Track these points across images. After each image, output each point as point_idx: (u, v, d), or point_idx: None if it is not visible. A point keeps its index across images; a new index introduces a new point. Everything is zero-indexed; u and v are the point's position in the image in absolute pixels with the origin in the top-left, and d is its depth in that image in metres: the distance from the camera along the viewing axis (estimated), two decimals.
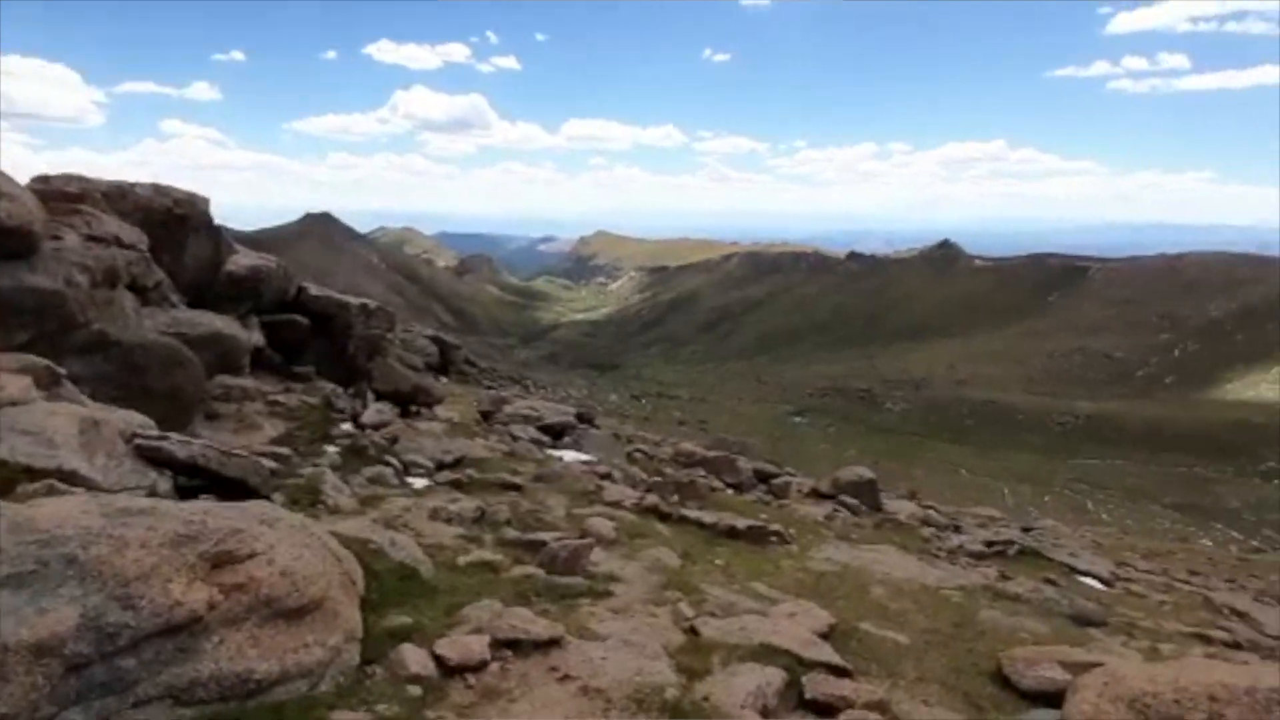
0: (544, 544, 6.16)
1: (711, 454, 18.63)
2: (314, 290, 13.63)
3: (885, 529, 16.58)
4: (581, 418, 20.81)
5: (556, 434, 17.12)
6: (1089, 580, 16.81)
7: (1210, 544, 37.93)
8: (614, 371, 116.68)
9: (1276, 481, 58.51)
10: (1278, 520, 50.32)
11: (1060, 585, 14.91)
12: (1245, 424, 67.75)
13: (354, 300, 13.84)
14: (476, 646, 3.86)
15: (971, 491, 54.87)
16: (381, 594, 4.43)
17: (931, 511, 22.11)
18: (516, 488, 9.71)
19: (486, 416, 17.56)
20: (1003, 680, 6.35)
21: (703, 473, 16.28)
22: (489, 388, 33.73)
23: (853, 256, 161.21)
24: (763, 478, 18.77)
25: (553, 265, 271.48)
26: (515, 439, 14.70)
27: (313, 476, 6.56)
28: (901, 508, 20.78)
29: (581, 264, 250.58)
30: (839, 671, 5.21)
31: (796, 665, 4.95)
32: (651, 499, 10.71)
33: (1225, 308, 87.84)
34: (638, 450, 19.56)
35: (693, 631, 5.18)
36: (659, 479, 13.92)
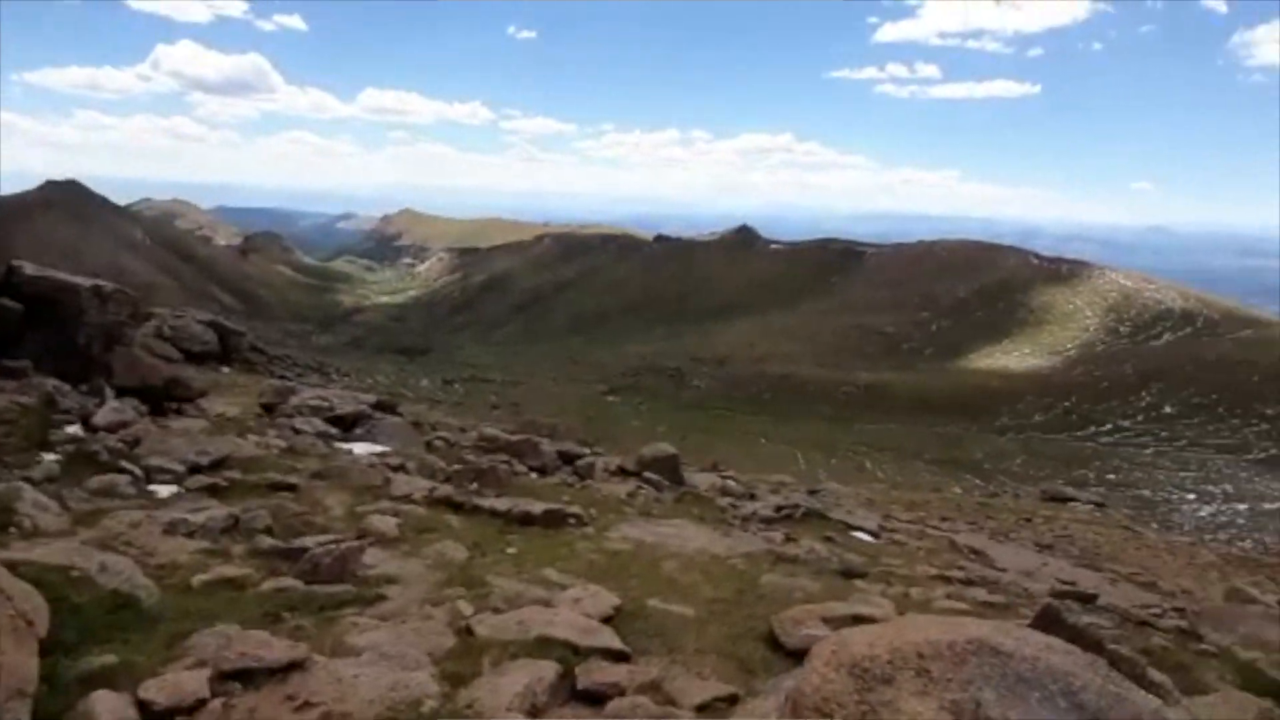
0: (306, 551, 5.60)
1: (515, 438, 18.32)
2: (30, 270, 11.52)
3: (685, 502, 17.25)
4: (381, 406, 19.62)
5: (348, 425, 15.97)
6: (861, 534, 18.60)
7: (960, 491, 43.68)
8: (425, 356, 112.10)
9: (1009, 435, 68.39)
10: (1009, 467, 58.90)
11: (836, 542, 16.37)
12: (985, 388, 78.58)
13: (84, 282, 11.88)
14: (193, 684, 3.35)
15: (770, 459, 59.01)
16: (80, 632, 3.75)
17: (730, 481, 23.39)
18: (289, 488, 8.86)
19: (269, 409, 15.98)
20: (774, 642, 6.76)
21: (505, 458, 15.95)
22: (281, 377, 30.91)
23: (659, 239, 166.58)
24: (568, 459, 18.77)
25: (353, 245, 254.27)
26: (298, 433, 13.49)
27: (5, 494, 5.47)
28: (703, 480, 21.78)
29: (385, 244, 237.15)
30: (617, 656, 5.21)
31: (572, 655, 4.87)
32: (445, 490, 10.26)
33: (970, 288, 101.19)
34: (439, 438, 18.80)
35: (468, 632, 4.94)
36: (459, 467, 13.42)
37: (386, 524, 7.47)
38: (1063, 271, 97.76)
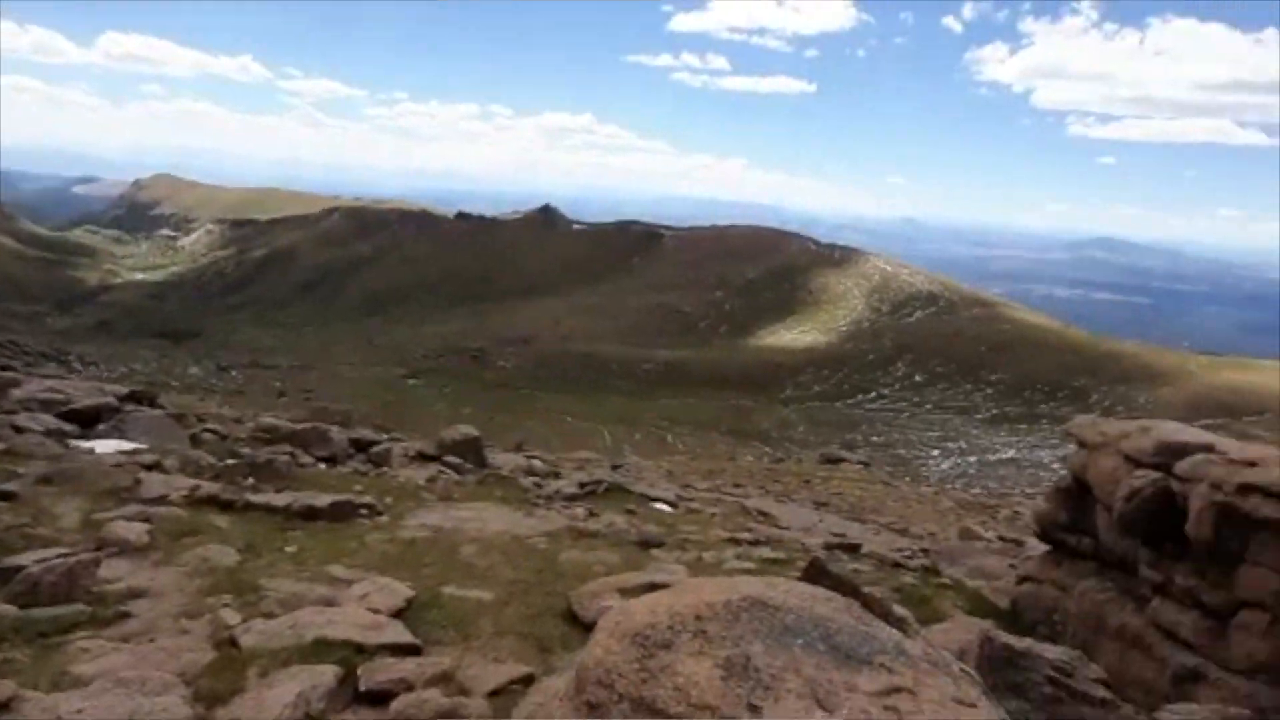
0: (21, 569, 4.74)
1: (300, 427, 16.92)
2: None
3: (488, 484, 16.94)
4: (135, 397, 17.21)
5: (88, 420, 13.84)
6: (660, 505, 19.38)
7: (751, 459, 46.98)
8: (194, 340, 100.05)
9: (792, 405, 74.57)
10: (793, 435, 64.29)
11: (637, 514, 16.93)
12: (772, 363, 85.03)
13: None
14: None
15: (576, 437, 59.69)
16: None
17: (535, 461, 23.37)
18: (6, 496, 7.49)
19: None
20: (573, 618, 6.84)
21: (288, 449, 14.68)
22: (4, 368, 26.06)
23: (461, 216, 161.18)
24: (361, 446, 17.70)
25: (97, 213, 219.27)
26: (19, 431, 11.45)
27: None
28: (507, 461, 21.54)
29: (138, 212, 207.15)
30: (407, 650, 4.96)
31: (356, 655, 4.57)
32: (211, 488, 9.21)
33: (759, 271, 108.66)
34: (209, 431, 16.88)
35: (231, 643, 4.46)
36: (232, 462, 12.13)
37: (133, 531, 6.55)
38: (835, 257, 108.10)
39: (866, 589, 4.30)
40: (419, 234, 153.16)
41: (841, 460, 43.56)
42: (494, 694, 4.46)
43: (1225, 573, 5.83)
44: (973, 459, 53.83)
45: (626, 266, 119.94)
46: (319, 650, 4.51)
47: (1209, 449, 6.65)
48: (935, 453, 56.52)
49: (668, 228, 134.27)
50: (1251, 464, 5.99)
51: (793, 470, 38.57)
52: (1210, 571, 5.98)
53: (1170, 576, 6.34)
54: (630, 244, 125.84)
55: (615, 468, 27.66)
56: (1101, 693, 5.21)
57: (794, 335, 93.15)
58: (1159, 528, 6.57)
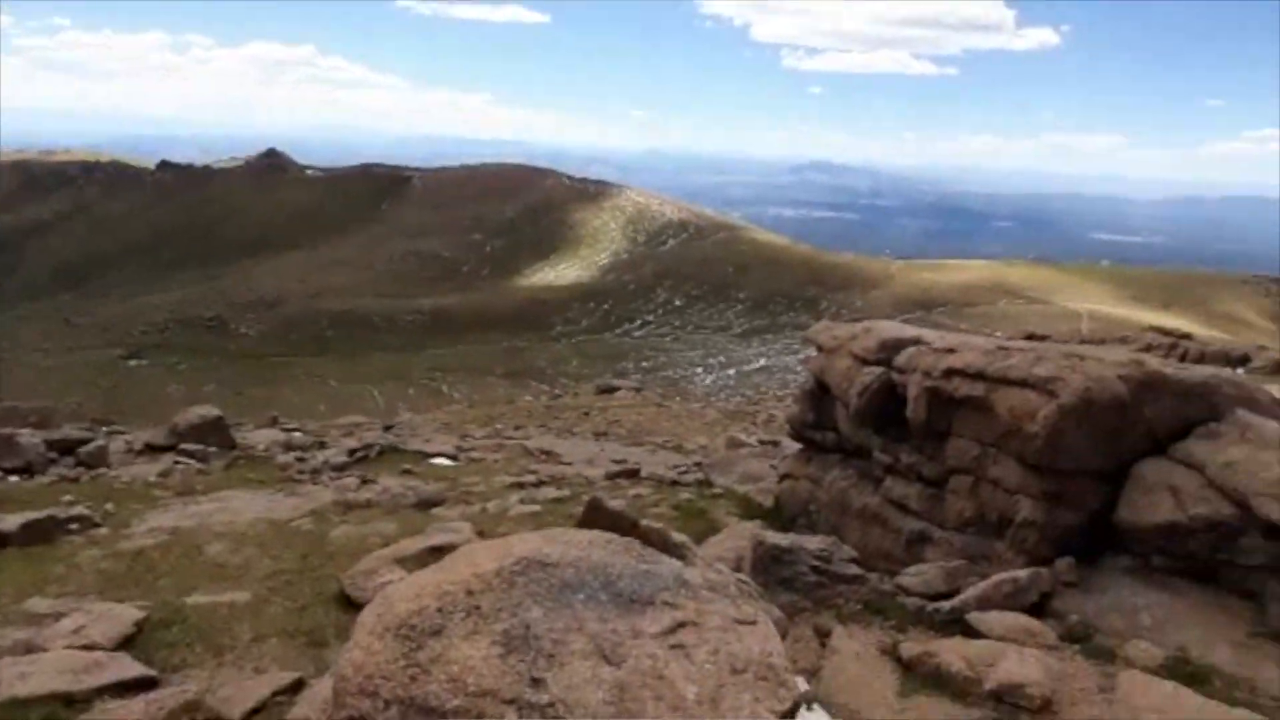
0: None
1: None
2: None
3: (238, 468, 15.14)
4: None
5: None
6: (440, 460, 18.68)
7: (531, 399, 47.04)
8: None
9: (563, 341, 75.52)
10: (568, 370, 65.33)
11: (416, 474, 16.16)
12: (540, 301, 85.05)
13: None
14: None
15: (343, 401, 55.63)
16: None
17: (296, 434, 21.30)
18: None
19: None
20: (348, 602, 6.29)
21: None
22: None
23: (165, 166, 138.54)
24: (67, 448, 14.89)
25: None
26: None
27: None
28: (261, 438, 19.38)
29: None
30: (139, 685, 4.19)
31: (64, 709, 3.75)
32: None
33: (515, 209, 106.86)
34: None
35: None
36: None
37: None
38: (590, 191, 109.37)
39: (645, 522, 4.34)
40: (112, 189, 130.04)
41: (616, 389, 45.13)
42: (253, 713, 3.92)
43: (938, 447, 6.77)
44: (731, 371, 58.62)
45: (374, 214, 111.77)
46: (13, 716, 3.64)
47: (918, 341, 7.60)
48: (699, 370, 60.72)
49: (414, 169, 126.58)
50: (951, 350, 6.93)
51: (571, 405, 39.23)
52: (927, 448, 6.91)
53: (897, 457, 7.25)
54: (375, 189, 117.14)
55: (388, 428, 26.18)
56: (854, 570, 5.84)
57: (558, 272, 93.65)
58: (886, 416, 7.45)
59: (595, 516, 4.67)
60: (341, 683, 2.51)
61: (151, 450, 16.28)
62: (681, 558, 4.12)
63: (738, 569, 5.99)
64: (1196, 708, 3.84)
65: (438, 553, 7.88)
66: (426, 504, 10.97)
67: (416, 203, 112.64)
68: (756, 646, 2.90)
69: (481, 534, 8.72)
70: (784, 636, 4.58)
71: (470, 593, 2.90)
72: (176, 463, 15.13)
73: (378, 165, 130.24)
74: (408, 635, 2.62)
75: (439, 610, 2.77)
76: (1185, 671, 4.23)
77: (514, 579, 2.99)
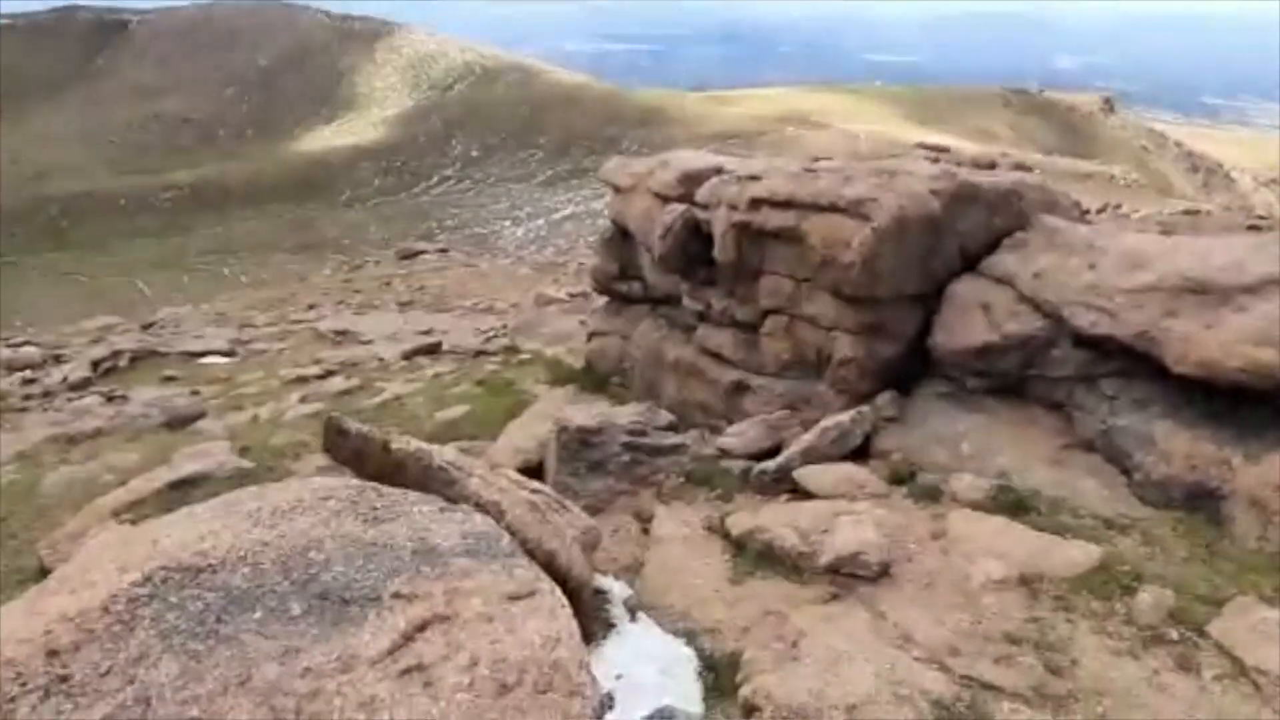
0: None
1: None
2: None
3: None
4: None
5: None
6: (213, 359, 16.25)
7: (328, 273, 42.80)
8: None
9: (356, 206, 68.95)
10: (366, 237, 60.06)
11: (181, 379, 13.86)
12: (321, 164, 76.03)
13: None
14: None
15: (100, 300, 47.76)
16: None
17: (27, 348, 17.67)
18: None
19: None
20: (47, 576, 4.83)
21: None
22: None
23: None
24: None
25: None
26: None
27: None
28: None
29: None
30: None
31: None
32: None
33: (270, 56, 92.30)
34: None
35: None
36: None
37: None
38: (358, 30, 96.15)
39: (400, 442, 3.29)
40: None
41: (420, 253, 42.06)
42: None
43: (750, 288, 6.16)
44: (540, 222, 56.42)
45: (89, 70, 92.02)
46: None
47: (720, 171, 6.78)
48: (507, 223, 57.93)
49: (130, 10, 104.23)
50: (756, 177, 6.18)
51: (372, 275, 36.07)
52: (738, 290, 6.29)
53: (708, 303, 6.60)
54: (84, 39, 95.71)
55: (147, 328, 22.58)
56: (672, 439, 5.23)
57: (335, 130, 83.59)
58: (693, 258, 6.71)
59: (337, 438, 3.55)
60: None
61: None
62: (450, 484, 3.16)
63: (539, 467, 5.20)
64: (1028, 543, 3.65)
65: (181, 490, 6.47)
66: (179, 422, 9.15)
67: (141, 54, 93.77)
68: (536, 634, 2.03)
69: (245, 452, 7.31)
70: (595, 547, 3.85)
71: (54, 653, 1.76)
72: None
73: (80, 8, 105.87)
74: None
75: (19, 679, 1.62)
76: (1010, 501, 4.06)
77: (137, 611, 1.87)
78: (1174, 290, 4.01)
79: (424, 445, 3.30)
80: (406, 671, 1.83)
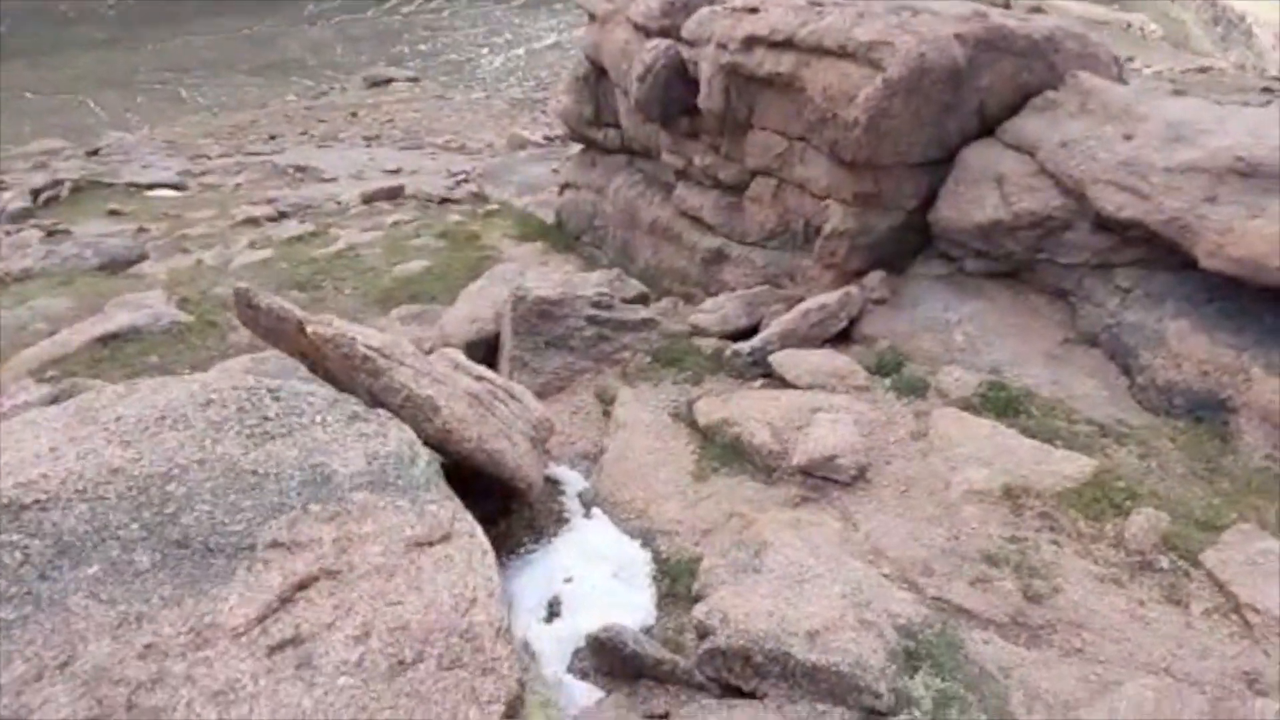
0: None
1: None
2: None
3: None
4: None
5: None
6: (161, 192, 15.26)
7: (293, 98, 39.95)
8: None
9: (320, 23, 63.53)
10: (332, 59, 55.76)
11: (126, 213, 12.99)
12: None
13: None
14: None
15: (52, 116, 44.64)
16: None
17: None
18: None
19: None
20: None
21: None
22: None
23: None
24: None
25: None
26: None
27: None
28: None
29: None
30: None
31: None
32: None
33: None
34: None
35: None
36: None
37: None
38: None
39: (317, 325, 2.82)
40: None
41: (390, 80, 39.14)
42: None
43: (737, 144, 5.49)
44: (520, 51, 52.41)
45: None
46: None
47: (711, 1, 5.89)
48: (485, 51, 53.81)
49: None
50: (753, 9, 5.33)
51: (338, 104, 33.67)
52: (724, 145, 5.62)
53: (690, 158, 5.94)
54: None
55: (93, 154, 21.12)
56: (641, 314, 4.79)
57: None
58: (675, 105, 5.95)
59: (250, 317, 3.08)
60: None
61: None
62: (375, 375, 2.74)
63: (497, 339, 4.75)
64: (1016, 451, 3.36)
65: (111, 346, 6.00)
66: (119, 264, 8.49)
67: None
68: (447, 592, 1.69)
69: (184, 304, 6.78)
70: (548, 439, 3.51)
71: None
72: None
73: None
74: None
75: None
76: (1001, 401, 3.75)
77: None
78: (1220, 172, 3.48)
79: (345, 329, 2.83)
80: (278, 648, 1.49)
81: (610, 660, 2.72)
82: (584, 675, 2.75)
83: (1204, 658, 2.46)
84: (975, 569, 2.85)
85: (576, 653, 2.84)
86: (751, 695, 2.61)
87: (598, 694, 2.69)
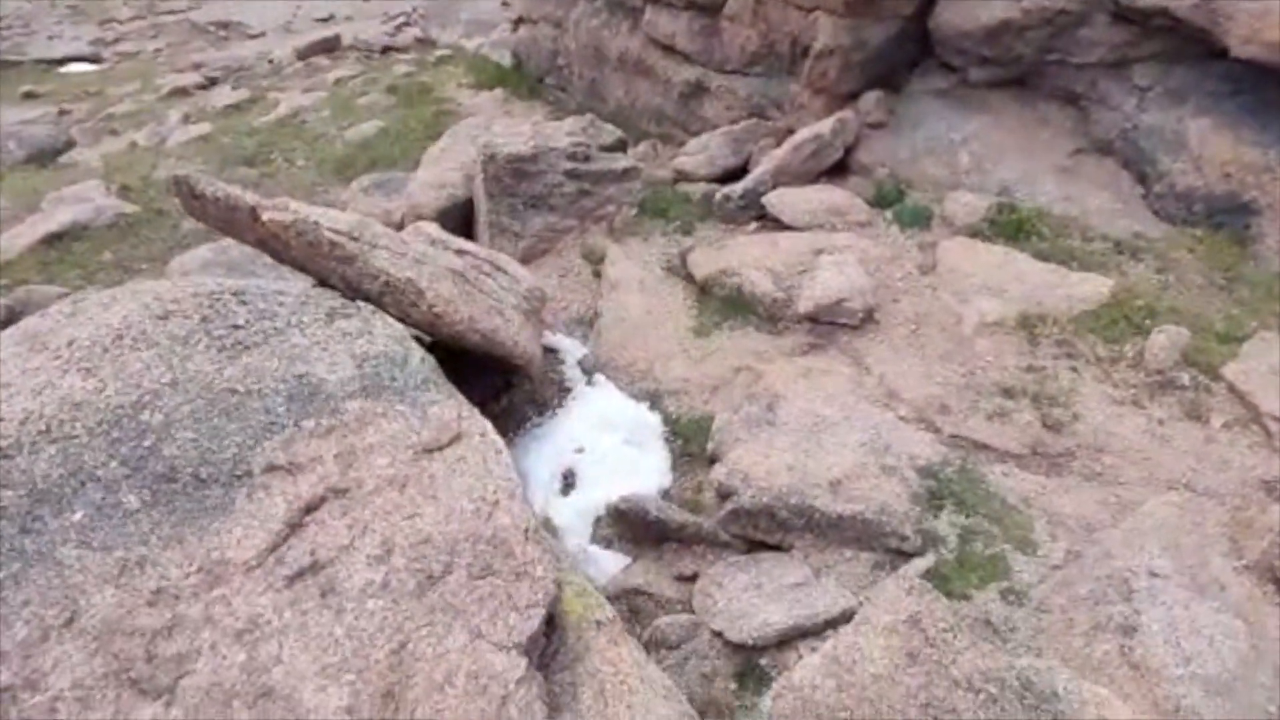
0: None
1: None
2: None
3: None
4: None
5: None
6: (76, 67, 13.96)
7: None
8: None
9: None
10: None
11: (42, 94, 11.92)
12: None
13: None
14: None
15: None
16: None
17: None
18: None
19: None
20: None
21: None
22: None
23: None
24: None
25: None
26: None
27: None
28: None
29: None
30: None
31: None
32: None
33: None
34: None
35: None
36: None
37: None
38: None
39: (273, 212, 2.52)
40: None
41: None
42: None
43: None
44: None
45: None
46: None
47: None
48: None
49: None
50: None
51: None
52: None
53: None
54: None
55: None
56: (623, 163, 4.44)
57: None
58: None
59: (196, 207, 2.77)
60: None
61: None
62: (347, 261, 2.50)
63: (469, 205, 4.42)
64: (1029, 277, 3.22)
65: (59, 247, 5.57)
66: (48, 154, 7.79)
67: None
68: (465, 498, 1.58)
69: (125, 192, 6.27)
70: (541, 309, 3.31)
71: None
72: None
73: None
74: None
75: None
76: (1011, 224, 3.56)
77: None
78: None
79: (305, 212, 2.54)
80: (297, 577, 1.39)
81: (634, 528, 2.71)
82: (608, 544, 2.75)
83: (1224, 470, 2.46)
84: (992, 403, 2.80)
85: (597, 521, 2.83)
86: (777, 548, 2.64)
87: (624, 560, 2.71)
